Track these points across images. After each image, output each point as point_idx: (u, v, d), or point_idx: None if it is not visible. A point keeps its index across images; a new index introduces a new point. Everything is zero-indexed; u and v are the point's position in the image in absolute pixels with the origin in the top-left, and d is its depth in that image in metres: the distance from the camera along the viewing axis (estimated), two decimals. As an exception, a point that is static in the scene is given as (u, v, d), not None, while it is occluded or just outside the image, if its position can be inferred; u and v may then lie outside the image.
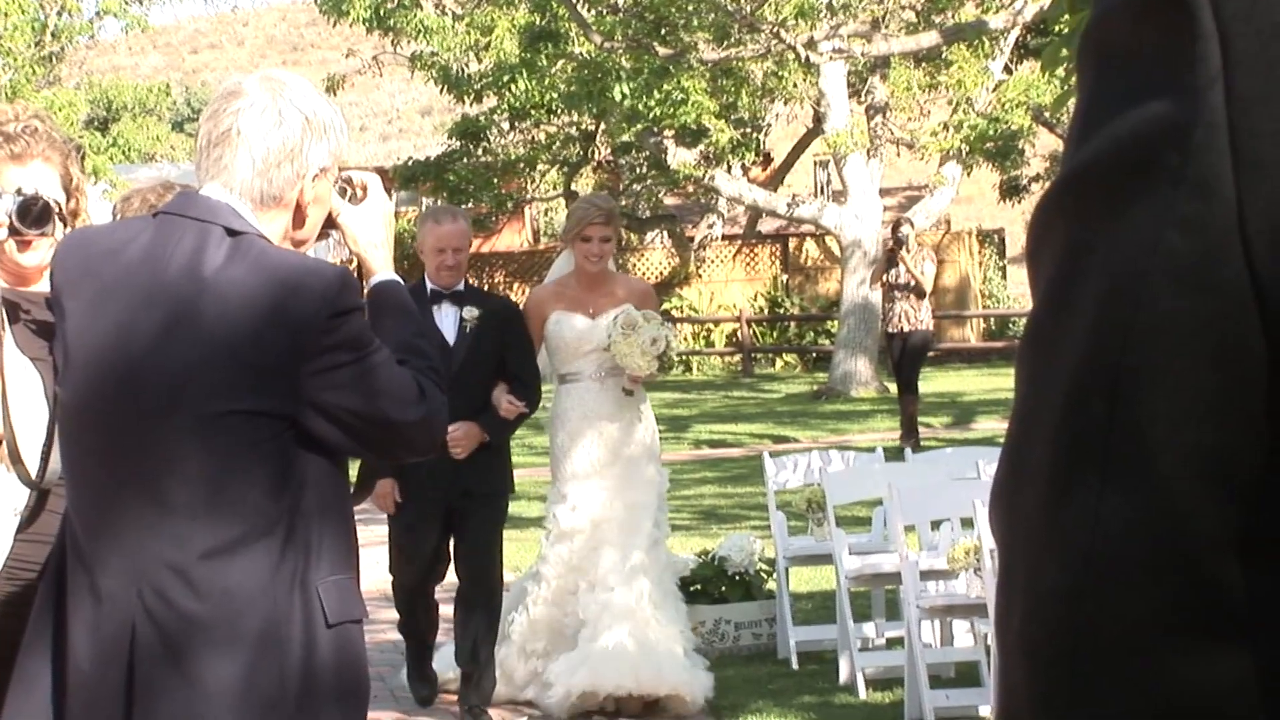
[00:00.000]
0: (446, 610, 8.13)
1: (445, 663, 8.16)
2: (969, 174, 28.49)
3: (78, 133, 28.41)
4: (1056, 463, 0.85)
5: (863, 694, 8.14)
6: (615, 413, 7.99)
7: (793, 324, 33.12)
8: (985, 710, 7.57)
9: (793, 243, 34.49)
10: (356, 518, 3.52)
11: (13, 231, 3.91)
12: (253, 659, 3.24)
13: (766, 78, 28.19)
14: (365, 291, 3.64)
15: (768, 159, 34.31)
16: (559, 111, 28.59)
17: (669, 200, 33.56)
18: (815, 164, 36.99)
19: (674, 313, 30.55)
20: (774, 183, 32.18)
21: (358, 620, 3.39)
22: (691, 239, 33.82)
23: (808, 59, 24.57)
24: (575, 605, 7.96)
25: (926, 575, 7.89)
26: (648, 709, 7.88)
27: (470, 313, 7.70)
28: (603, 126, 29.36)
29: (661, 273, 33.23)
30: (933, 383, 25.32)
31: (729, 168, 28.03)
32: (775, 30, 23.92)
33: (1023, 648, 0.86)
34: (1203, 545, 0.81)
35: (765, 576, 9.20)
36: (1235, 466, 0.81)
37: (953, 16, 25.87)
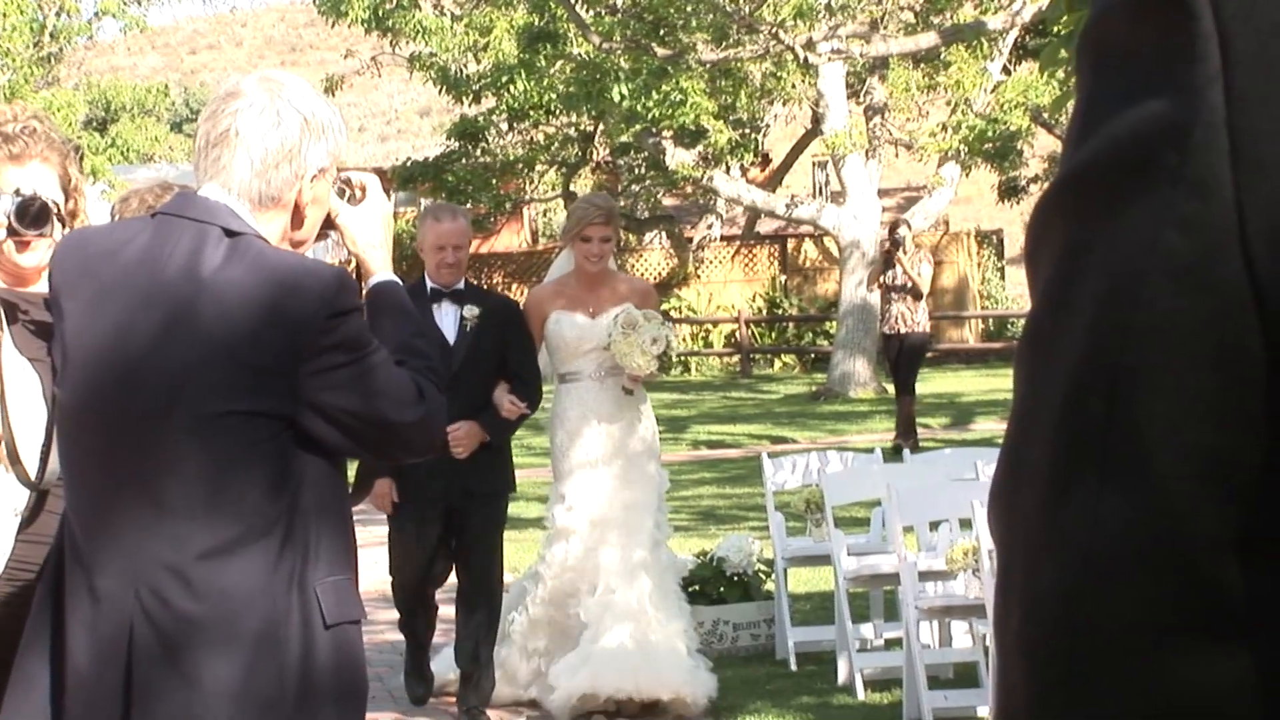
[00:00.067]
0: (446, 611, 8.13)
1: (445, 664, 8.15)
2: (967, 175, 28.49)
3: (76, 133, 28.40)
4: (1055, 463, 0.85)
5: (861, 695, 8.14)
6: (615, 412, 7.98)
7: (791, 325, 33.13)
8: (983, 711, 7.57)
9: (791, 243, 34.50)
10: (355, 518, 3.52)
11: (11, 232, 3.91)
12: (251, 659, 3.24)
13: (765, 78, 28.19)
14: (364, 292, 3.64)
15: (766, 160, 34.31)
16: (557, 112, 28.60)
17: (667, 201, 33.56)
18: (814, 165, 36.99)
19: (672, 313, 30.54)
20: (772, 183, 32.18)
21: (356, 621, 3.39)
22: (690, 240, 33.83)
23: (806, 60, 24.58)
24: (575, 606, 7.95)
25: (925, 576, 7.89)
26: (647, 710, 7.87)
27: (470, 311, 7.69)
28: (601, 127, 29.37)
29: (660, 273, 33.23)
30: (931, 383, 25.32)
31: (727, 168, 28.04)
32: (774, 31, 23.93)
33: (1021, 648, 0.86)
34: (1201, 545, 0.81)
35: (764, 577, 9.20)
36: (1234, 466, 0.81)
37: (951, 17, 25.88)
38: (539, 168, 31.68)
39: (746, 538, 9.38)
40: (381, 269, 3.66)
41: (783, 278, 34.15)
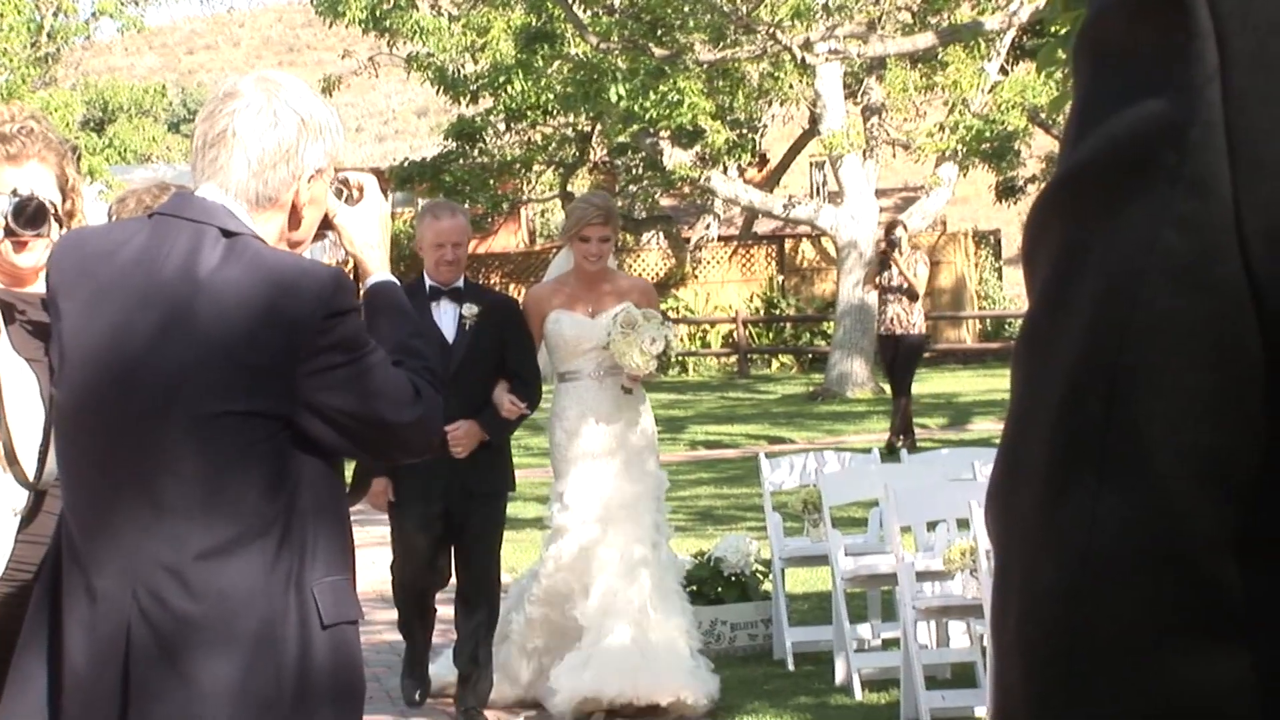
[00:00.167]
0: (445, 611, 8.12)
1: (445, 666, 8.13)
2: (965, 175, 28.50)
3: (73, 133, 28.39)
4: (1053, 462, 0.85)
5: (859, 695, 8.14)
6: (614, 412, 7.96)
7: (789, 325, 33.13)
8: (981, 711, 7.56)
9: (789, 244, 34.51)
10: (352, 519, 3.52)
11: (8, 232, 3.91)
12: (248, 659, 3.24)
13: (762, 79, 28.20)
14: (361, 292, 3.64)
15: (764, 160, 34.32)
16: (555, 112, 28.60)
17: (665, 201, 33.57)
18: (811, 165, 36.99)
19: (670, 314, 30.53)
20: (770, 184, 32.19)
21: (353, 621, 3.39)
22: (687, 240, 33.84)
23: (804, 60, 24.58)
24: (571, 606, 7.92)
25: (922, 576, 7.89)
26: (648, 712, 7.85)
27: (470, 310, 7.67)
28: (599, 127, 29.37)
29: (657, 274, 33.23)
30: (928, 384, 25.32)
31: (725, 169, 28.03)
32: (771, 31, 23.93)
33: (1019, 648, 0.85)
34: (1200, 545, 0.81)
35: (761, 577, 9.20)
36: (1232, 466, 0.81)
37: (948, 17, 25.88)
38: (536, 168, 31.68)
39: (744, 538, 9.38)
40: (379, 269, 3.66)
41: (780, 278, 34.16)
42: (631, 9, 25.53)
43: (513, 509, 8.54)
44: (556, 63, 27.10)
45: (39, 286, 3.80)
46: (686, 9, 25.14)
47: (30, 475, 3.83)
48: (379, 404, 3.35)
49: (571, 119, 29.60)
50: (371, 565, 9.25)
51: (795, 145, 33.59)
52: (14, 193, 3.92)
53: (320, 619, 3.29)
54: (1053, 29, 6.90)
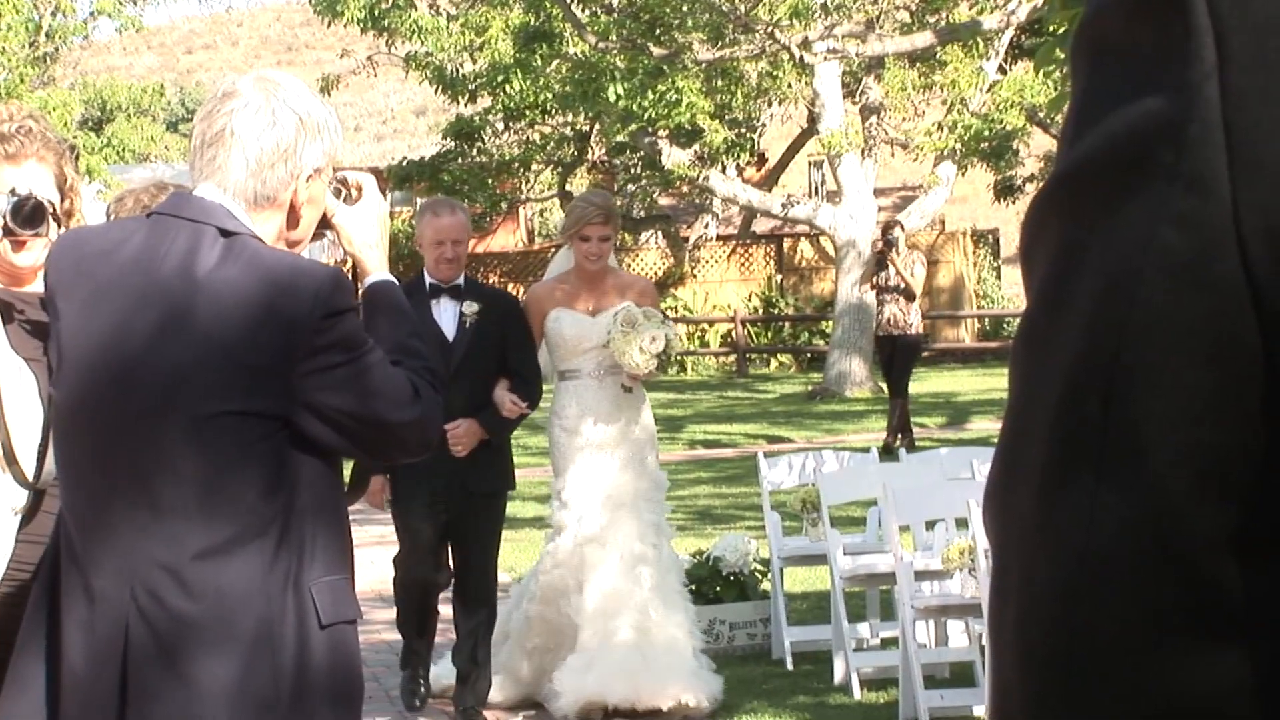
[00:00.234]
0: (445, 610, 8.09)
1: (445, 669, 8.09)
2: (963, 174, 28.50)
3: (72, 133, 28.40)
4: (1051, 461, 0.84)
5: (857, 694, 8.14)
6: (613, 411, 7.95)
7: (787, 324, 33.13)
8: (980, 710, 7.56)
9: (787, 243, 34.51)
10: (351, 518, 3.52)
11: (7, 231, 3.91)
12: (246, 659, 3.24)
13: (761, 78, 28.21)
14: (360, 292, 3.64)
15: (762, 159, 34.33)
16: (553, 112, 28.60)
17: (664, 200, 33.57)
18: (810, 164, 37.00)
19: (668, 313, 30.50)
20: (768, 183, 32.19)
21: (352, 621, 3.39)
22: (686, 239, 33.84)
23: (802, 59, 24.58)
24: (566, 604, 7.91)
25: (921, 575, 7.89)
26: (650, 714, 7.84)
27: (470, 307, 7.65)
28: (597, 127, 29.37)
29: (656, 273, 33.24)
30: (927, 383, 25.33)
31: (723, 168, 28.03)
32: (770, 30, 23.93)
33: (1017, 647, 0.85)
34: (1199, 544, 0.81)
35: (760, 577, 9.19)
36: (1231, 465, 0.81)
37: (947, 17, 25.88)
38: (535, 167, 31.69)
39: (743, 537, 9.38)
40: (377, 268, 3.66)
41: (779, 277, 34.16)
42: (630, 8, 25.53)
43: (512, 508, 8.54)
44: (555, 62, 27.10)
45: (37, 286, 3.80)
46: (685, 8, 25.14)
47: (29, 475, 3.83)
48: (377, 403, 3.35)
49: (570, 118, 29.60)
50: (370, 565, 9.25)
51: (794, 144, 33.60)
52: (12, 192, 3.92)
53: (319, 618, 3.29)
54: (1051, 28, 6.90)
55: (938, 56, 26.83)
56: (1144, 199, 0.82)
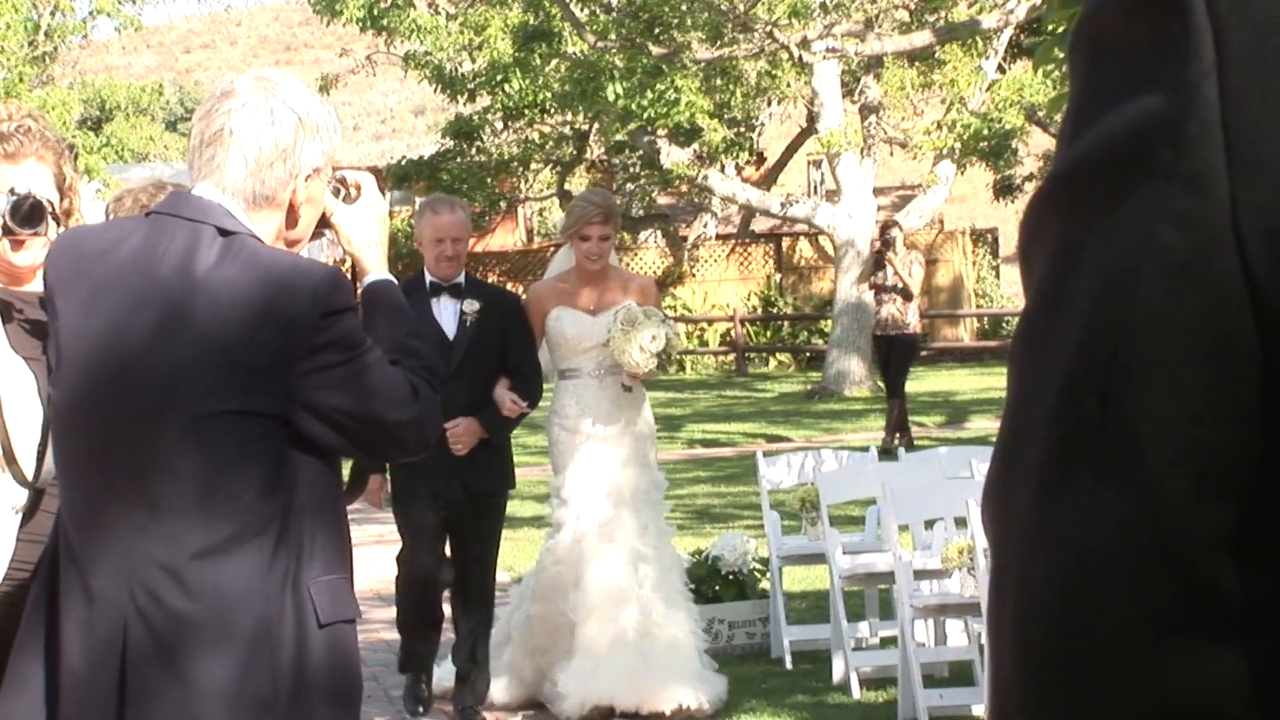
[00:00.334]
0: (445, 610, 8.08)
1: (446, 671, 8.06)
2: (962, 173, 28.50)
3: (71, 132, 28.39)
4: (1049, 460, 0.84)
5: (856, 693, 8.14)
6: (613, 410, 7.94)
7: (786, 323, 33.14)
8: (979, 709, 7.56)
9: (786, 242, 34.51)
10: (349, 517, 3.52)
11: (6, 231, 3.91)
12: (245, 659, 3.24)
13: (760, 77, 28.21)
14: (359, 291, 3.64)
15: (761, 158, 34.34)
16: (552, 111, 28.61)
17: (662, 200, 33.58)
18: (809, 163, 37.00)
19: (668, 312, 30.52)
20: (767, 182, 32.19)
21: (350, 620, 3.38)
22: (685, 238, 33.84)
23: (801, 58, 24.57)
24: (564, 602, 7.90)
25: (920, 575, 7.88)
26: (652, 716, 7.84)
27: (470, 305, 7.63)
28: (596, 126, 29.37)
29: (655, 272, 33.23)
30: (926, 382, 25.33)
31: (722, 167, 28.04)
32: (769, 30, 23.93)
33: (1016, 647, 0.85)
34: (1197, 544, 0.81)
35: (759, 576, 9.19)
36: (1229, 464, 0.80)
37: (946, 16, 25.88)
38: (534, 166, 31.70)
39: (742, 536, 9.38)
40: (376, 268, 3.66)
41: (778, 276, 34.16)
42: (629, 7, 25.53)
43: (512, 507, 8.53)
44: (554, 61, 27.10)
45: (36, 285, 3.80)
46: (684, 7, 25.14)
47: (29, 474, 3.83)
48: (376, 403, 3.35)
49: (569, 117, 29.61)
50: (369, 564, 9.24)
51: (793, 144, 33.61)
52: (11, 191, 3.92)
53: (317, 618, 3.29)
54: (1050, 27, 6.90)
55: (937, 56, 26.83)
56: (1142, 197, 0.82)
